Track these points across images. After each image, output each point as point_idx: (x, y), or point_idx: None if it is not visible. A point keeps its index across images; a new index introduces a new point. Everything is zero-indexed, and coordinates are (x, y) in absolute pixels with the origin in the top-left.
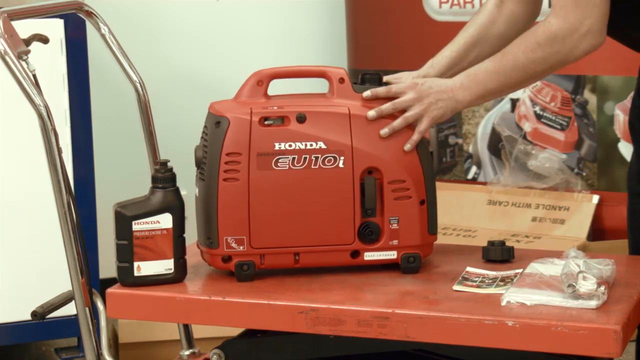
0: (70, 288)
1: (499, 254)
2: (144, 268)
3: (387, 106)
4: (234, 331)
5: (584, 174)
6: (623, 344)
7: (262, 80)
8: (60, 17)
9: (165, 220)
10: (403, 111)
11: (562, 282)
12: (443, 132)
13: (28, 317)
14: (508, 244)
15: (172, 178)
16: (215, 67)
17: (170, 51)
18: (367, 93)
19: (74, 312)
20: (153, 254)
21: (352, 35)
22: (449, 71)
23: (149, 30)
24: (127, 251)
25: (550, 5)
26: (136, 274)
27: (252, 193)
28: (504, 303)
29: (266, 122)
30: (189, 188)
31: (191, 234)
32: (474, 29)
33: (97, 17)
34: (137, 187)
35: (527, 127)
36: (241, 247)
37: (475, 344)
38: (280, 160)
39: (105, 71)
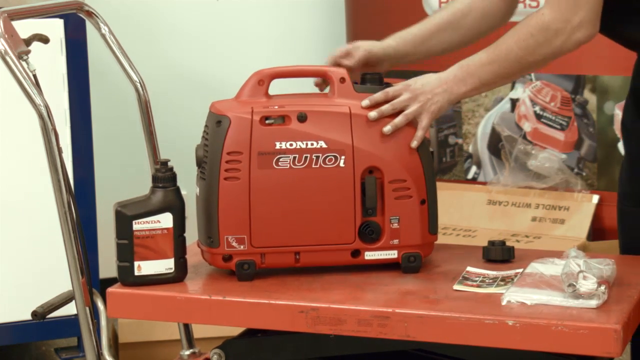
0: (71, 288)
1: (499, 254)
2: (145, 267)
3: (386, 107)
4: (235, 331)
5: (584, 174)
6: (623, 344)
7: (263, 79)
8: (60, 17)
9: (165, 220)
10: (403, 110)
11: (563, 282)
12: (443, 132)
13: (28, 317)
14: (508, 243)
15: (172, 178)
16: (215, 67)
17: (170, 51)
18: (365, 102)
19: (74, 312)
20: (153, 254)
21: (352, 35)
22: (413, 49)
23: (149, 30)
24: (127, 251)
25: None
26: (137, 273)
27: (253, 192)
28: (504, 302)
29: (267, 122)
30: (189, 188)
31: (191, 233)
32: (447, 14)
33: (97, 17)
34: (138, 186)
35: (527, 127)
36: (242, 246)
37: (475, 343)
38: (281, 160)
39: (105, 71)
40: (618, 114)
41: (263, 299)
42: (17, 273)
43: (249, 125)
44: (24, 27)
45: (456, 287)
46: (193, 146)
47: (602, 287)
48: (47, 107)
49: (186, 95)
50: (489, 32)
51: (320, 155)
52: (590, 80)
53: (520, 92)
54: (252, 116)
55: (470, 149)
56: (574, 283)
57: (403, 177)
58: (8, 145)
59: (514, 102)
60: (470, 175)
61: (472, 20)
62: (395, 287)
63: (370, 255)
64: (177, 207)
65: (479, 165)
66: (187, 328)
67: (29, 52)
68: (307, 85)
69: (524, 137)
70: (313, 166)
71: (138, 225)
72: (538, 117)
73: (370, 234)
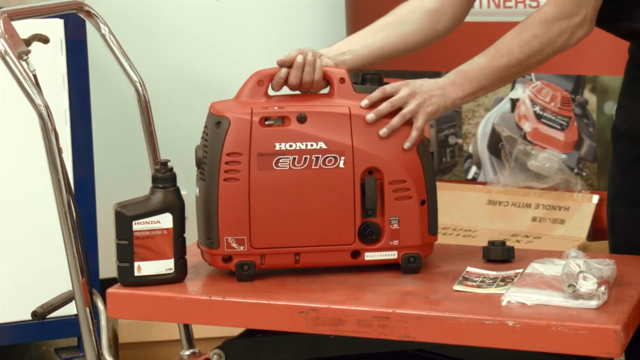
0: (71, 288)
1: (499, 254)
2: (145, 268)
3: (384, 105)
4: (234, 331)
5: (584, 174)
6: (623, 344)
7: (262, 80)
8: (60, 17)
9: (165, 220)
10: (399, 109)
11: (563, 282)
12: (443, 132)
13: (28, 317)
14: (508, 244)
15: (172, 178)
16: (215, 67)
17: (170, 51)
18: (364, 102)
19: (74, 312)
20: (153, 254)
21: None
22: (357, 45)
23: (149, 30)
24: (127, 251)
25: None
26: (136, 273)
27: (253, 193)
28: (504, 303)
29: (267, 123)
30: (189, 188)
31: (191, 233)
32: (394, 13)
33: (97, 17)
34: (137, 187)
35: (527, 127)
36: (241, 247)
37: (475, 344)
38: (280, 161)
39: (105, 71)
40: None
41: (263, 299)
42: (17, 273)
43: (249, 126)
44: (24, 27)
45: (456, 287)
46: (193, 146)
47: (602, 288)
48: (47, 107)
49: (186, 95)
50: (441, 32)
51: (320, 156)
52: (590, 80)
53: (520, 92)
54: (252, 117)
55: (470, 149)
56: (574, 283)
57: (403, 178)
58: (8, 145)
59: (514, 102)
60: (470, 176)
61: (419, 17)
62: (395, 287)
63: (370, 256)
64: (177, 208)
65: (479, 166)
66: (187, 328)
67: (29, 52)
68: None
69: (524, 137)
70: (313, 167)
71: (138, 226)
72: (538, 117)
73: (370, 234)
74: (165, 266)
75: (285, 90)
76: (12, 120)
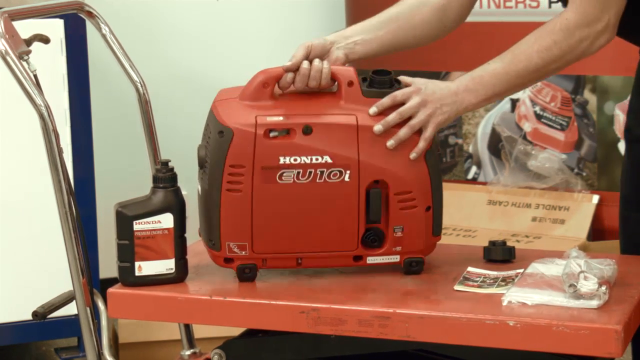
0: (71, 288)
1: (500, 254)
2: (145, 268)
3: (393, 117)
4: (235, 331)
5: (584, 174)
6: (624, 344)
7: (268, 82)
8: (60, 17)
9: (166, 220)
10: (409, 118)
11: (564, 282)
12: (443, 132)
13: (29, 317)
14: (508, 244)
15: (173, 178)
16: (215, 67)
17: (170, 51)
18: (373, 109)
19: (74, 312)
20: (154, 254)
21: None
22: (360, 36)
23: (149, 30)
24: (128, 251)
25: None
26: (137, 273)
27: (255, 204)
28: (505, 303)
29: (271, 134)
30: (189, 188)
31: (192, 233)
32: (401, 6)
33: (97, 17)
34: (138, 187)
35: (527, 127)
36: (243, 252)
37: (476, 343)
38: (284, 175)
39: (106, 71)
40: (618, 114)
41: (264, 299)
42: (17, 273)
43: (253, 139)
44: (25, 27)
45: (457, 287)
46: (193, 146)
47: (603, 288)
48: (47, 107)
49: (186, 95)
50: (448, 28)
51: (325, 170)
52: (590, 81)
53: (520, 92)
54: (256, 129)
55: (471, 149)
56: (575, 283)
57: (409, 189)
58: (8, 145)
59: (514, 102)
60: (470, 176)
61: (428, 11)
62: (396, 287)
63: (372, 260)
64: (177, 208)
65: (479, 166)
66: (187, 328)
67: (29, 52)
68: None
69: (524, 137)
70: (317, 181)
71: (139, 226)
72: (538, 117)
73: (373, 241)
74: (166, 266)
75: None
76: (13, 120)
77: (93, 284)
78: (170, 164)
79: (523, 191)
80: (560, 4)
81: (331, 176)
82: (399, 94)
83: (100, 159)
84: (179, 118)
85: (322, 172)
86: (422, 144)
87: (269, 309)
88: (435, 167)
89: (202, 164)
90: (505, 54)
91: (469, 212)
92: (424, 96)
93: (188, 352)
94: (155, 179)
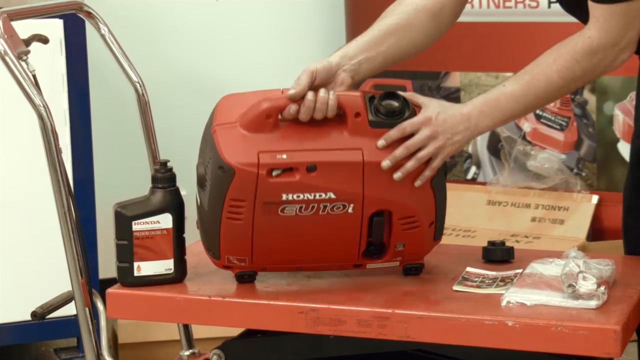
0: (70, 288)
1: (499, 254)
2: (144, 268)
3: (400, 151)
4: (234, 331)
5: (584, 174)
6: (623, 344)
7: (270, 114)
8: (60, 17)
9: (165, 220)
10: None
11: (562, 282)
12: None
13: (28, 317)
14: (507, 244)
15: (172, 178)
16: (215, 67)
17: (170, 51)
18: (381, 142)
19: (73, 312)
20: (153, 254)
21: (352, 35)
22: (363, 54)
23: (149, 30)
24: (127, 251)
25: (549, 6)
26: (136, 274)
27: (256, 232)
28: (504, 303)
29: (274, 173)
30: (189, 188)
31: (191, 233)
32: (394, 18)
33: (96, 17)
34: (137, 187)
35: (526, 127)
36: (243, 264)
37: (475, 344)
38: (287, 209)
39: (105, 71)
40: (618, 114)
41: (262, 299)
42: (17, 273)
43: (255, 179)
44: (24, 28)
45: (456, 287)
46: (193, 147)
47: (602, 288)
48: (46, 107)
49: (186, 95)
50: (442, 31)
51: (328, 204)
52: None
53: None
54: (258, 169)
55: (470, 149)
56: (574, 283)
57: (412, 214)
58: (8, 145)
59: None
60: (469, 176)
61: (424, 19)
62: (395, 287)
63: (372, 266)
64: (176, 208)
65: (479, 166)
66: (186, 328)
67: (28, 52)
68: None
69: (524, 137)
70: (320, 213)
71: (137, 226)
72: (537, 117)
73: (373, 254)
74: (165, 266)
75: (288, 79)
76: (12, 121)
77: (92, 284)
78: (169, 164)
79: (522, 191)
80: (559, 4)
81: (334, 209)
82: (407, 126)
83: (100, 159)
84: (179, 118)
85: (325, 206)
86: (428, 173)
87: (268, 309)
88: (441, 190)
89: (202, 183)
90: (522, 74)
91: (469, 212)
92: (434, 127)
93: (187, 353)
94: (154, 179)
